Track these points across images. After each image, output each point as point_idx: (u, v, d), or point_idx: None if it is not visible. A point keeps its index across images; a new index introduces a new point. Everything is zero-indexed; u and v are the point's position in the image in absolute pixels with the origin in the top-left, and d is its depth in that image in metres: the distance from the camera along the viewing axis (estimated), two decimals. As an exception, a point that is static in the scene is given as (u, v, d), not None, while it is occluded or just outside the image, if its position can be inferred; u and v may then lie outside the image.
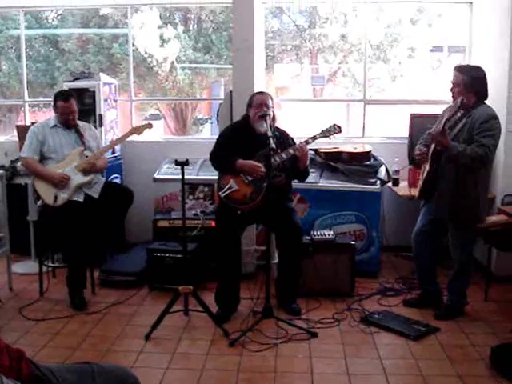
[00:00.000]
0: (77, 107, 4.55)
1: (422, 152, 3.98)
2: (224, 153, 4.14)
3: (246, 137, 4.14)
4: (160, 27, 9.58)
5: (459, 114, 3.73)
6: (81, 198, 4.42)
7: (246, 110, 4.23)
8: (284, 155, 4.05)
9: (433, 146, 3.83)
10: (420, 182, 4.09)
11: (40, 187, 4.43)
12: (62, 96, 4.52)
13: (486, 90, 3.85)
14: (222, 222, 4.22)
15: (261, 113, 4.04)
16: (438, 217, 4.03)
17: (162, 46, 9.77)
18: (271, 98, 4.16)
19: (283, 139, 4.23)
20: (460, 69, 3.86)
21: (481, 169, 3.79)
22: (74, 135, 4.53)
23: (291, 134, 4.38)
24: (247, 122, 4.19)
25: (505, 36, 4.73)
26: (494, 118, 3.74)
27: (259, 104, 4.09)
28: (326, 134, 4.20)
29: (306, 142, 4.13)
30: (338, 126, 4.21)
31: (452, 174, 3.82)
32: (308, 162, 4.19)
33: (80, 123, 4.61)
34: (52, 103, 4.57)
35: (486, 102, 3.88)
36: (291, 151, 4.07)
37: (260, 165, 4.00)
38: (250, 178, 4.05)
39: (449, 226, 4.00)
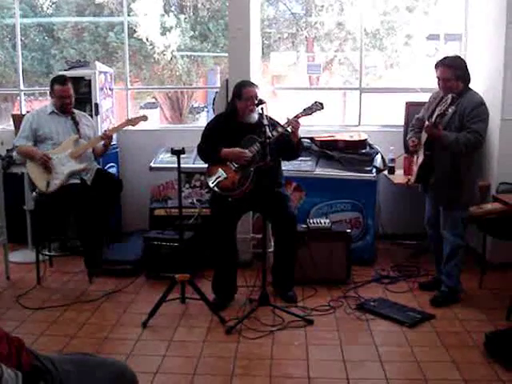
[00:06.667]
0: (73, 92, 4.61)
1: (414, 144, 4.10)
2: (209, 144, 4.13)
3: (232, 127, 4.12)
4: (162, 15, 9.55)
5: (450, 110, 3.77)
6: (77, 180, 4.46)
7: (232, 100, 4.21)
8: (280, 129, 4.02)
9: (425, 135, 3.92)
10: (415, 168, 4.16)
11: (33, 173, 4.45)
12: (59, 80, 4.57)
13: (469, 75, 4.01)
14: (216, 212, 4.21)
15: (256, 102, 4.01)
16: (437, 203, 4.12)
17: (163, 34, 9.74)
18: (258, 88, 4.15)
19: (272, 122, 4.16)
20: (444, 63, 3.97)
21: (474, 153, 3.98)
22: (70, 122, 4.55)
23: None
24: (234, 112, 4.16)
25: (500, 24, 4.71)
26: (482, 104, 3.92)
27: (250, 97, 4.05)
28: (308, 112, 4.16)
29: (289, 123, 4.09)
30: (320, 103, 4.17)
31: (447, 160, 3.94)
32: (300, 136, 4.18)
33: (76, 111, 4.66)
34: (49, 89, 4.60)
35: (477, 88, 4.04)
36: (285, 126, 4.05)
37: (245, 151, 4.00)
38: (236, 165, 4.05)
39: (441, 209, 4.08)
